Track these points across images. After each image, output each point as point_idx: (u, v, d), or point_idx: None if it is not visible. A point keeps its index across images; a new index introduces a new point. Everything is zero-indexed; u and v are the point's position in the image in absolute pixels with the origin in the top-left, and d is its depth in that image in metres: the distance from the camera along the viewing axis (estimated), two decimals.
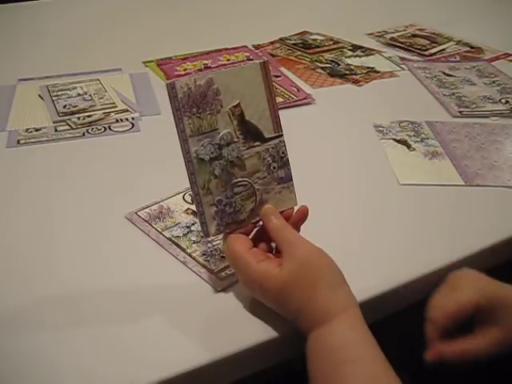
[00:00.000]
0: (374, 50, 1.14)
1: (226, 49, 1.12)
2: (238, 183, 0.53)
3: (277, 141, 0.54)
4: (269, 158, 0.54)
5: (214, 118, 0.51)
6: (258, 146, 0.53)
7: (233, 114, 0.52)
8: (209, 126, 0.51)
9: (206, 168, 0.51)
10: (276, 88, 0.96)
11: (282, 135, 0.54)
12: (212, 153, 0.51)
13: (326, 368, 0.46)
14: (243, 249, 0.51)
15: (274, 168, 0.54)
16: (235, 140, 0.52)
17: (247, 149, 0.53)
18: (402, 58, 1.11)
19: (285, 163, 0.55)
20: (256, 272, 0.50)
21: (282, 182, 0.55)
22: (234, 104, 0.52)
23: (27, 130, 0.83)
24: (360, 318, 0.48)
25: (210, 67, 1.04)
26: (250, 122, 0.53)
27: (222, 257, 0.58)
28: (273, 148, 0.54)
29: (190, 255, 0.59)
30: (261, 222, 0.54)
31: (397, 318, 0.60)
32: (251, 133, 0.53)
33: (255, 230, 0.55)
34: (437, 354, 0.51)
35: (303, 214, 0.54)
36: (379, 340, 0.47)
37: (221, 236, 0.59)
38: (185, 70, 1.03)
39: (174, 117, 0.51)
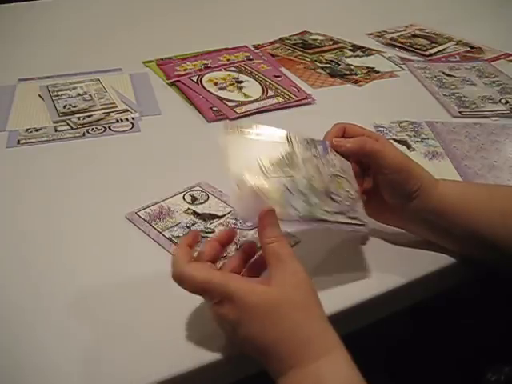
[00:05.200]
0: (374, 50, 1.14)
1: (226, 49, 1.13)
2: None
3: None
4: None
5: None
6: None
7: None
8: None
9: None
10: (276, 88, 0.96)
11: None
12: None
13: None
14: (194, 266, 0.46)
15: None
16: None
17: None
18: (402, 58, 1.11)
19: None
20: (236, 287, 0.43)
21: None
22: None
23: (27, 130, 0.83)
24: (350, 358, 0.43)
25: (210, 67, 1.04)
26: None
27: (222, 257, 0.58)
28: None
29: None
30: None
31: (393, 320, 0.60)
32: None
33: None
34: (337, 140, 0.56)
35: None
36: (377, 342, 0.47)
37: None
38: (185, 69, 1.03)
39: None
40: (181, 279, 0.46)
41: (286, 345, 0.42)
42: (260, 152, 0.50)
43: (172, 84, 0.98)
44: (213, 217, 0.65)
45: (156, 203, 0.67)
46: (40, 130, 0.83)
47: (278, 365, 0.43)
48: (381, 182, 0.57)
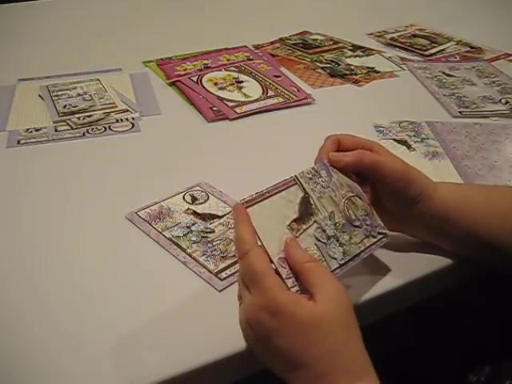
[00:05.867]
0: (374, 50, 1.14)
1: (226, 49, 1.13)
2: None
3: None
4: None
5: None
6: None
7: None
8: None
9: None
10: (276, 88, 0.96)
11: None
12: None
13: None
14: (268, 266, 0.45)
15: None
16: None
17: None
18: (402, 58, 1.11)
19: None
20: (283, 295, 0.43)
21: None
22: None
23: (27, 130, 0.83)
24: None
25: (210, 67, 1.04)
26: None
27: (222, 257, 0.58)
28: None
29: (190, 255, 0.59)
30: None
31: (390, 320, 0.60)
32: None
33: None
34: (335, 155, 0.55)
35: None
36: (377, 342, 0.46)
37: (221, 236, 0.59)
38: (185, 69, 1.03)
39: None
40: (243, 258, 0.46)
41: (329, 362, 0.42)
42: (281, 211, 0.50)
43: (172, 84, 0.98)
44: (213, 217, 0.65)
45: (156, 203, 0.67)
46: (40, 130, 0.83)
47: (313, 381, 0.42)
48: (382, 191, 0.56)
